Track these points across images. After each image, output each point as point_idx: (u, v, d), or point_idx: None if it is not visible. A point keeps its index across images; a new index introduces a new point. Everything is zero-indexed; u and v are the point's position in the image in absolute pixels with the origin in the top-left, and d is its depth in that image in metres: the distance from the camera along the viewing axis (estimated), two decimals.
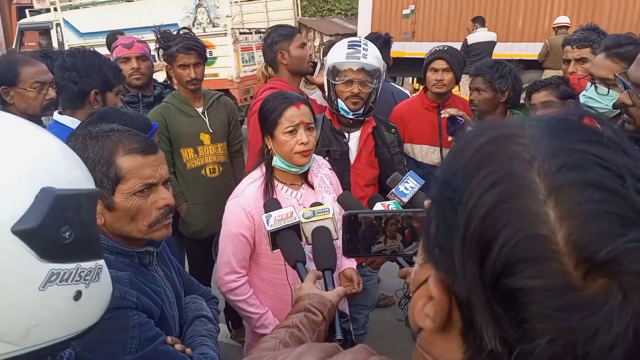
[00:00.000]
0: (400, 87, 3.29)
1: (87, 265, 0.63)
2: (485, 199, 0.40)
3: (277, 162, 1.75)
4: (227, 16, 7.68)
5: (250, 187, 1.77)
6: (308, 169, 1.82)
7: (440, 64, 2.66)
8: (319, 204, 1.43)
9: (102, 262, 0.67)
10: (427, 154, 2.77)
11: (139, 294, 1.14)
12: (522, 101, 2.58)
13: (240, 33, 7.84)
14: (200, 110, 2.65)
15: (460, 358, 0.45)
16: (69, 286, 0.60)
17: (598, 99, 1.75)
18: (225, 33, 7.53)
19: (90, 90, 1.96)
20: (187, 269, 2.66)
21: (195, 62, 2.54)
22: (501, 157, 0.42)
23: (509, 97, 2.44)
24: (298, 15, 10.58)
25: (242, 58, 7.61)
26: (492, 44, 8.10)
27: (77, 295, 0.61)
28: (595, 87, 1.75)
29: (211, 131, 2.65)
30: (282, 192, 1.77)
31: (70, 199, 0.61)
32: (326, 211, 1.34)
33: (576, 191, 0.38)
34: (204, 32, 7.60)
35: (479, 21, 8.29)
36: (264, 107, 1.75)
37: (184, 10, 7.95)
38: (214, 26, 7.81)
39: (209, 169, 2.67)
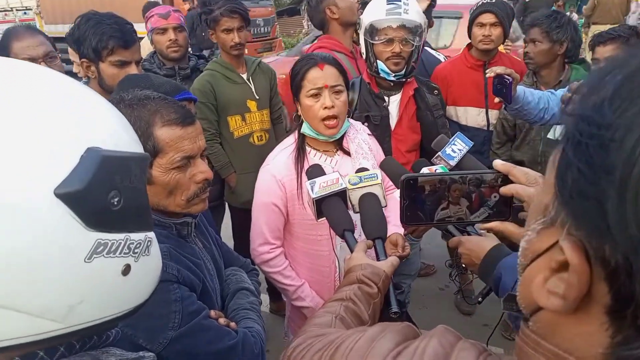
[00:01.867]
0: (433, 52, 3.05)
1: (136, 236, 0.56)
2: None
3: (305, 129, 1.68)
4: None
5: (281, 154, 1.71)
6: (343, 135, 1.72)
7: (488, 17, 2.46)
8: (365, 169, 1.33)
9: (152, 234, 0.60)
10: (472, 116, 2.61)
11: (179, 267, 1.09)
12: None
13: None
14: (245, 76, 2.57)
15: (606, 343, 0.36)
16: (117, 259, 0.54)
17: None
18: None
19: (82, 61, 1.80)
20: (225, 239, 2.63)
21: (239, 26, 2.44)
22: None
23: (567, 49, 2.25)
24: None
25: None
26: (550, 2, 7.69)
27: (126, 270, 0.55)
28: None
29: (257, 97, 2.57)
30: (314, 159, 1.69)
31: (119, 161, 0.54)
32: (374, 177, 1.24)
33: None
34: None
35: None
36: (293, 71, 1.68)
37: None
38: None
39: (257, 136, 2.60)
